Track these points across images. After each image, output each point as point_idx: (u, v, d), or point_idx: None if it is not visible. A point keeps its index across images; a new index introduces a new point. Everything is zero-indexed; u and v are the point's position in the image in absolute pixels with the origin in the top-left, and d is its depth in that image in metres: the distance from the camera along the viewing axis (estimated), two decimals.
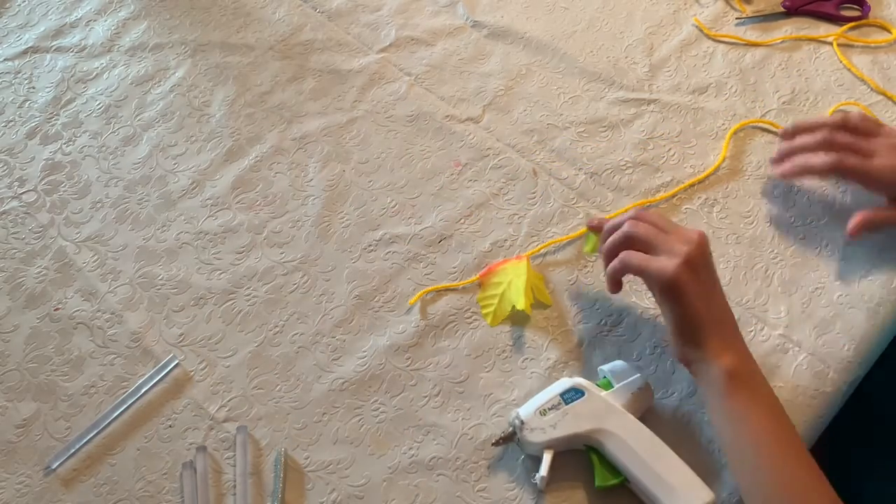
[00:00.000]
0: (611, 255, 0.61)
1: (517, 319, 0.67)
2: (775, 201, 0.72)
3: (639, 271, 0.59)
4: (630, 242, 0.60)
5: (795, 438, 0.55)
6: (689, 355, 0.58)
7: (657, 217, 0.61)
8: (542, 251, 0.70)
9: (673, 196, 0.73)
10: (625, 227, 0.60)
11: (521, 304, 0.66)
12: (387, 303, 0.69)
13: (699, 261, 0.57)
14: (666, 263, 0.56)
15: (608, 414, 0.58)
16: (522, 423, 0.58)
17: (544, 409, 0.58)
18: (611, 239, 0.61)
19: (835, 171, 0.67)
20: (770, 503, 0.53)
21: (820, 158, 0.67)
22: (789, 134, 0.71)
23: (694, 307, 0.56)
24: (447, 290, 0.69)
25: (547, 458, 0.57)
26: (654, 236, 0.59)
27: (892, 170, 0.65)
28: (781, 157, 0.71)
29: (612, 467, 0.57)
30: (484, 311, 0.67)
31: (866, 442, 0.75)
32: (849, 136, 0.67)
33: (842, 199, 0.72)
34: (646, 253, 0.58)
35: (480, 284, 0.69)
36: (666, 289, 0.57)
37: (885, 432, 0.74)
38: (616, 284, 0.62)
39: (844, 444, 0.75)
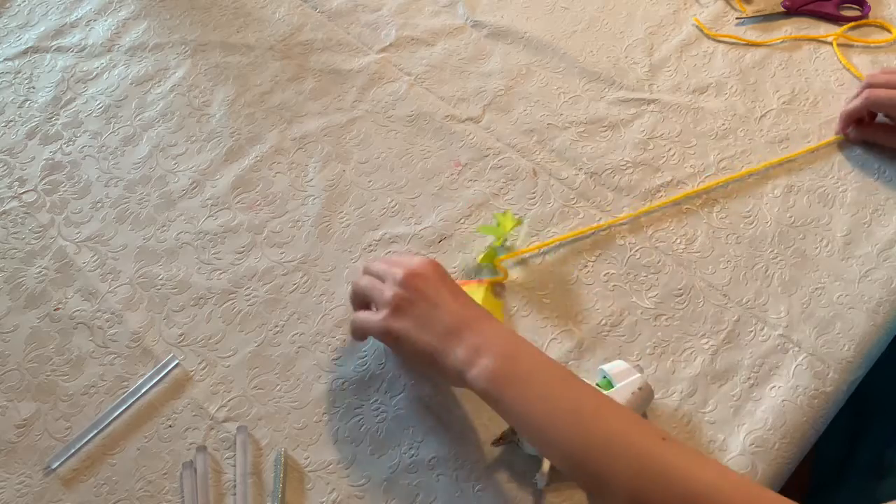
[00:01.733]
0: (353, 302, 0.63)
1: (518, 317, 0.67)
2: (775, 201, 0.72)
3: (365, 332, 0.60)
4: (357, 299, 0.62)
5: (585, 398, 0.52)
6: (452, 380, 0.58)
7: (382, 263, 0.61)
8: (540, 250, 0.70)
9: (679, 200, 0.73)
10: (352, 284, 0.63)
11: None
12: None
13: (408, 297, 0.57)
14: (374, 318, 0.58)
15: None
16: None
17: None
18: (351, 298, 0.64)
19: (867, 107, 0.73)
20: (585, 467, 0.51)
21: (852, 102, 0.74)
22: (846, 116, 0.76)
23: (413, 345, 0.56)
24: None
25: None
26: (369, 290, 0.60)
27: None
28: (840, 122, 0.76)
29: None
30: None
31: (869, 442, 0.75)
32: (885, 77, 0.73)
33: (842, 198, 0.72)
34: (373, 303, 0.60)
35: None
36: (384, 341, 0.59)
37: (887, 432, 0.74)
38: (360, 338, 0.64)
39: (846, 444, 0.75)
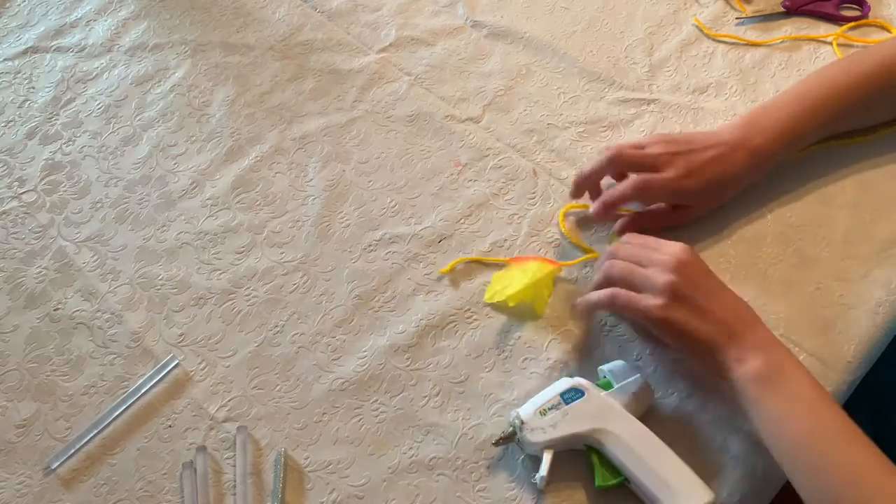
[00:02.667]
0: (596, 289, 0.62)
1: (517, 319, 0.67)
2: (776, 201, 0.72)
3: (627, 312, 0.60)
4: (611, 284, 0.61)
5: (841, 425, 0.52)
6: (715, 375, 0.57)
7: (635, 247, 0.61)
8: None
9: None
10: (603, 270, 0.62)
11: (506, 295, 0.66)
12: (387, 303, 0.69)
13: (684, 285, 0.57)
14: (650, 304, 0.57)
15: (608, 414, 0.58)
16: (522, 422, 0.58)
17: (544, 409, 0.58)
18: (594, 283, 0.63)
19: (639, 194, 0.67)
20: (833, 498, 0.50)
21: (623, 187, 0.67)
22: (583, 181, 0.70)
23: (693, 334, 0.56)
24: (479, 262, 0.70)
25: (547, 457, 0.57)
26: (632, 275, 0.59)
27: (673, 184, 0.65)
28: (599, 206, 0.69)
29: (612, 467, 0.57)
30: (489, 287, 0.68)
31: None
32: (631, 153, 0.67)
33: (842, 198, 0.72)
34: (631, 290, 0.59)
35: (506, 266, 0.69)
36: (660, 328, 0.58)
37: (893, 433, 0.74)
38: (588, 314, 0.64)
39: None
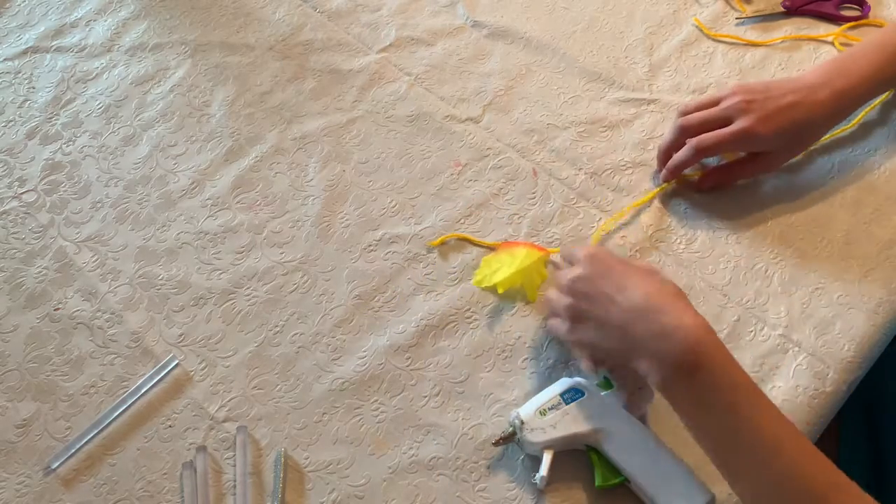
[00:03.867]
0: None
1: (517, 318, 0.67)
2: (776, 201, 0.72)
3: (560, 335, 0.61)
4: (552, 312, 0.63)
5: (760, 405, 0.51)
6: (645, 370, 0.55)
7: (557, 273, 0.62)
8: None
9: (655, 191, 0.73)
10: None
11: (494, 280, 0.67)
12: (387, 303, 0.69)
13: (575, 306, 0.58)
14: (561, 330, 0.60)
15: (608, 414, 0.58)
16: (522, 422, 0.58)
17: (544, 409, 0.58)
18: None
19: (699, 154, 0.69)
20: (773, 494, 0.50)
21: (682, 152, 0.69)
22: (662, 155, 0.73)
23: (606, 347, 0.57)
24: (469, 241, 0.71)
25: (547, 457, 0.57)
26: (550, 303, 0.61)
27: (745, 131, 0.66)
28: (666, 172, 0.72)
29: (612, 467, 0.57)
30: (477, 271, 0.69)
31: (871, 444, 0.75)
32: (698, 115, 0.69)
33: (841, 198, 0.72)
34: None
35: (496, 250, 0.70)
36: (575, 350, 0.61)
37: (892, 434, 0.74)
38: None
39: (849, 445, 0.75)
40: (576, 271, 0.59)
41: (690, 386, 0.52)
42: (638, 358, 0.54)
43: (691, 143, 0.68)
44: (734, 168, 0.71)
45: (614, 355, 0.57)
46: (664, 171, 0.72)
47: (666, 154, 0.72)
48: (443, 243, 0.71)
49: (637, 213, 0.72)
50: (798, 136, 0.68)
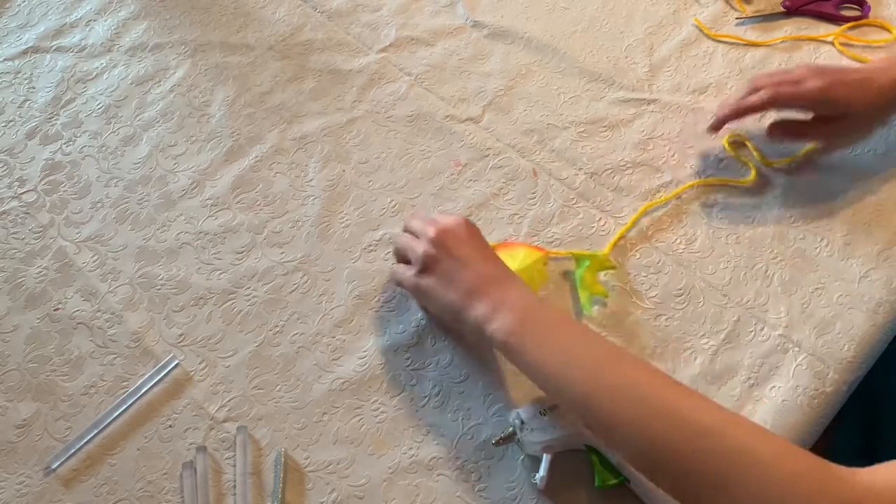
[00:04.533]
0: None
1: None
2: (775, 201, 0.72)
3: (399, 285, 0.64)
4: (398, 255, 0.65)
5: (601, 347, 0.55)
6: (474, 336, 0.60)
7: (417, 220, 0.64)
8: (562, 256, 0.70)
9: (677, 196, 0.73)
10: (394, 240, 0.66)
11: None
12: (387, 303, 0.69)
13: (434, 255, 0.60)
14: (406, 275, 0.62)
15: None
16: (523, 422, 0.58)
17: (544, 409, 0.58)
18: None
19: (772, 103, 0.69)
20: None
21: (756, 95, 0.69)
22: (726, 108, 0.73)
23: (441, 300, 0.60)
24: None
25: (547, 457, 0.57)
26: (405, 246, 0.63)
27: (821, 89, 0.67)
28: (718, 119, 0.72)
29: (612, 467, 0.57)
30: None
31: (869, 443, 0.75)
32: (774, 74, 0.70)
33: (842, 198, 0.72)
34: (405, 262, 0.63)
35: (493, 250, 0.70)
36: (416, 297, 0.65)
37: (889, 433, 0.74)
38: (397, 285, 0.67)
39: (846, 446, 0.75)
40: (449, 226, 0.61)
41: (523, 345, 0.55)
42: (467, 317, 0.58)
43: (768, 90, 0.69)
44: (809, 127, 0.71)
45: (447, 310, 0.60)
46: (728, 109, 0.71)
47: (729, 107, 0.71)
48: None
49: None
50: (870, 108, 0.69)
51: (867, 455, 0.52)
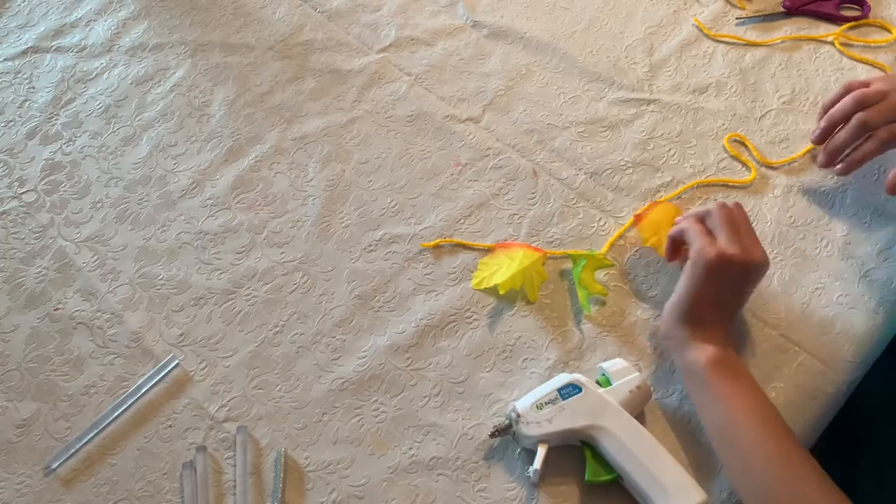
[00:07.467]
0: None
1: (517, 318, 0.67)
2: (776, 201, 0.72)
3: (691, 239, 0.62)
4: (673, 243, 0.65)
5: (779, 419, 0.56)
6: (675, 332, 0.60)
7: (720, 221, 0.62)
8: (560, 255, 0.70)
9: (678, 196, 0.73)
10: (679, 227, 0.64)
11: (494, 282, 0.68)
12: (387, 303, 0.69)
13: (744, 269, 0.59)
14: (726, 248, 0.59)
15: (604, 411, 0.58)
16: (518, 416, 0.58)
17: (541, 404, 0.59)
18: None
19: (889, 146, 0.67)
20: (761, 484, 0.53)
21: (871, 143, 0.67)
22: (821, 137, 0.71)
23: (711, 293, 0.59)
24: (462, 245, 0.71)
25: (541, 451, 0.57)
26: (692, 236, 0.62)
27: None
28: (832, 158, 0.70)
29: (605, 464, 0.57)
30: (476, 273, 0.69)
31: (866, 444, 0.75)
32: (873, 110, 0.67)
33: (842, 198, 0.72)
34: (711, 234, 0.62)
35: (491, 251, 0.70)
36: (702, 266, 0.60)
37: (884, 435, 0.74)
38: (672, 249, 0.66)
39: (844, 446, 0.75)
40: (758, 262, 0.60)
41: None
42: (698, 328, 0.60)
43: (879, 134, 0.67)
44: None
45: (693, 301, 0.60)
46: (849, 164, 0.69)
47: (839, 152, 0.69)
48: (437, 247, 0.71)
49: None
50: None
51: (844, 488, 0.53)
